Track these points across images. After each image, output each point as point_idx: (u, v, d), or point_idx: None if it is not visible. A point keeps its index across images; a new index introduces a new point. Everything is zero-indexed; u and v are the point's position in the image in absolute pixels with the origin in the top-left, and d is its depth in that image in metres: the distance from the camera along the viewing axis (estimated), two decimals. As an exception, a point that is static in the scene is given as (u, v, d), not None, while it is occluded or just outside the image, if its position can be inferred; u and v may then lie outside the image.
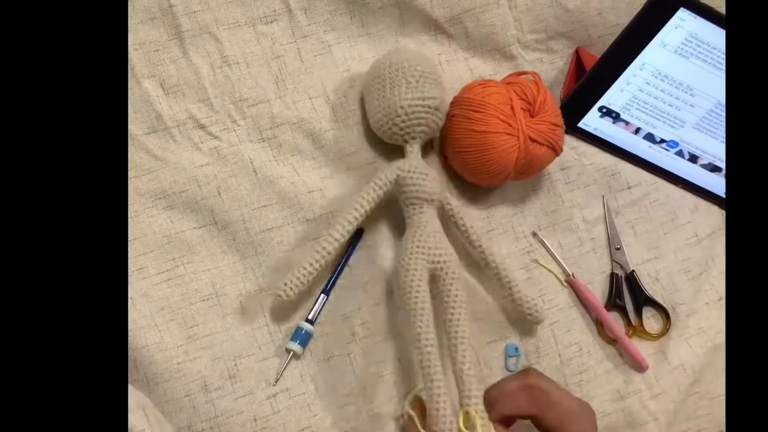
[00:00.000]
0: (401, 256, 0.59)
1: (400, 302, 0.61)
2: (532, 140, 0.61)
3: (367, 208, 0.61)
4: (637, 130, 0.71)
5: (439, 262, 0.58)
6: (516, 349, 0.65)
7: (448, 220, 0.63)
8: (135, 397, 0.53)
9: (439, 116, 0.63)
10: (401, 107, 0.60)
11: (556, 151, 0.63)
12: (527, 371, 0.55)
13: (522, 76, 0.65)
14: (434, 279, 0.59)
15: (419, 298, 0.57)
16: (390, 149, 0.66)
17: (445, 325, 0.57)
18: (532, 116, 0.62)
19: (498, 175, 0.63)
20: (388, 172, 0.61)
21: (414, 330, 0.55)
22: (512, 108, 0.61)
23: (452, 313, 0.57)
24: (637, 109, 0.70)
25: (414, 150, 0.62)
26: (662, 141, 0.71)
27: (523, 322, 0.65)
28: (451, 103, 0.65)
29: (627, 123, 0.71)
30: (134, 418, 0.49)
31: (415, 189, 0.60)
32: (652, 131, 0.71)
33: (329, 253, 0.59)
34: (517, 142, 0.61)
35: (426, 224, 0.60)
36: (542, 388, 0.53)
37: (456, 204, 0.63)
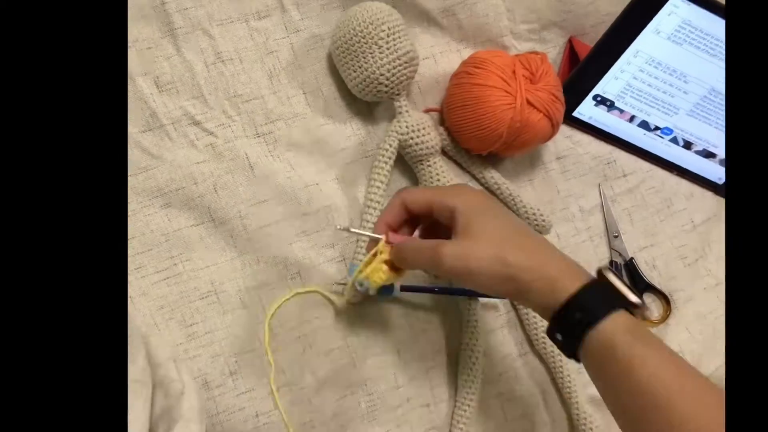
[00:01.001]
0: None
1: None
2: (530, 104, 0.61)
3: (385, 182, 0.63)
4: (632, 118, 0.71)
5: None
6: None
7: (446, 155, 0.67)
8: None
9: (416, 63, 0.63)
10: (381, 74, 0.60)
11: (552, 121, 0.62)
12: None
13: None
14: None
15: None
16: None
17: None
18: (532, 83, 0.62)
19: (490, 135, 0.62)
20: (390, 141, 0.63)
21: None
22: (514, 72, 0.62)
23: None
24: (631, 96, 0.70)
25: (403, 104, 0.63)
26: (657, 128, 0.71)
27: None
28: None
29: (621, 111, 0.71)
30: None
31: (419, 148, 0.62)
32: (646, 119, 0.71)
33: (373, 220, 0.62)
34: (514, 102, 0.60)
35: (438, 177, 0.63)
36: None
37: (451, 140, 0.66)
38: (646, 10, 0.65)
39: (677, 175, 0.73)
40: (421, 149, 0.62)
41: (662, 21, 0.66)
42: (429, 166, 0.63)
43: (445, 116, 0.66)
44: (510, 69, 0.62)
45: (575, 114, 0.71)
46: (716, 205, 0.73)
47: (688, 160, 0.73)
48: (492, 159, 0.68)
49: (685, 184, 0.73)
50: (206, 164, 0.63)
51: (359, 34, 0.60)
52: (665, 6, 0.65)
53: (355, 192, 0.65)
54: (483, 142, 0.63)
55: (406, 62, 0.61)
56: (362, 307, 0.63)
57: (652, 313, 0.69)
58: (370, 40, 0.59)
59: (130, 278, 0.60)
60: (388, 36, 0.60)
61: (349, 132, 0.66)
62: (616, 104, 0.70)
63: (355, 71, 0.61)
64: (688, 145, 0.72)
